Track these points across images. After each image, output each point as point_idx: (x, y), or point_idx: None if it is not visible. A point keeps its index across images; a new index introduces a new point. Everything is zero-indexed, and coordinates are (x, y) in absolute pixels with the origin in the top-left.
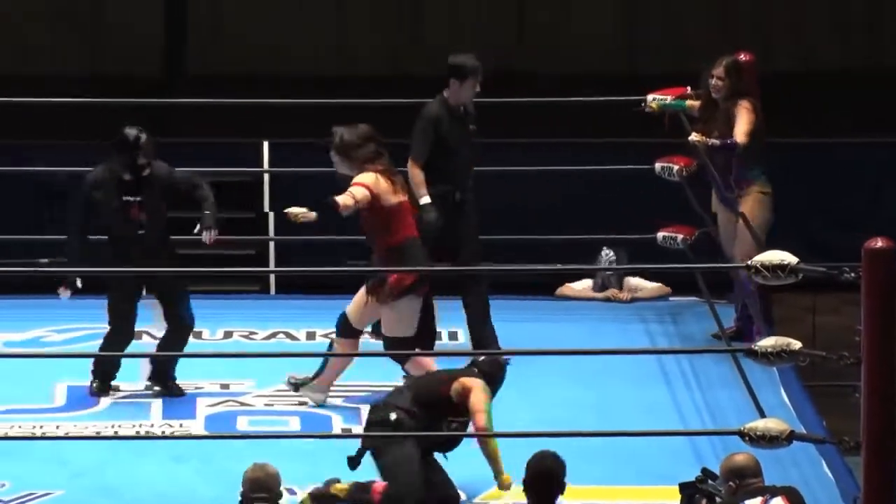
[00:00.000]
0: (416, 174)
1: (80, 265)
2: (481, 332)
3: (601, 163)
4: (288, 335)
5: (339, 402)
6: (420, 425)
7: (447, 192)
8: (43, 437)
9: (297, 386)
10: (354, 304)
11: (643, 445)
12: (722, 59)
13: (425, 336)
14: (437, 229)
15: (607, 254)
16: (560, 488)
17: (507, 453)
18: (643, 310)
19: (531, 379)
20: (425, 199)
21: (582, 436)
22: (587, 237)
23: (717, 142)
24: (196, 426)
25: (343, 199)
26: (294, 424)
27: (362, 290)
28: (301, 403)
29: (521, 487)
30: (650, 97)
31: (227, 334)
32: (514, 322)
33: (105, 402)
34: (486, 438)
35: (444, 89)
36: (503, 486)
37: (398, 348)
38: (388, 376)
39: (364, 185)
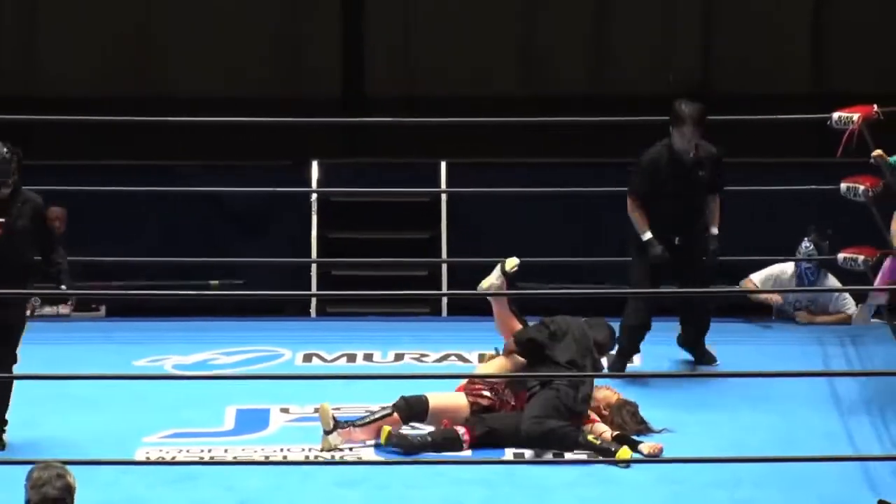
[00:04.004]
0: (631, 208)
1: None
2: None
3: (781, 182)
4: (460, 357)
5: None
6: None
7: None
8: (211, 462)
9: None
10: None
11: (819, 471)
12: None
13: None
14: (665, 263)
15: (807, 246)
16: None
17: (683, 474)
18: (823, 332)
19: (711, 402)
20: (647, 236)
21: (758, 461)
22: (762, 258)
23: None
24: (367, 451)
25: None
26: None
27: None
28: None
29: None
30: (836, 115)
31: (398, 357)
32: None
33: (275, 425)
34: None
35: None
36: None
37: None
38: None
39: None
